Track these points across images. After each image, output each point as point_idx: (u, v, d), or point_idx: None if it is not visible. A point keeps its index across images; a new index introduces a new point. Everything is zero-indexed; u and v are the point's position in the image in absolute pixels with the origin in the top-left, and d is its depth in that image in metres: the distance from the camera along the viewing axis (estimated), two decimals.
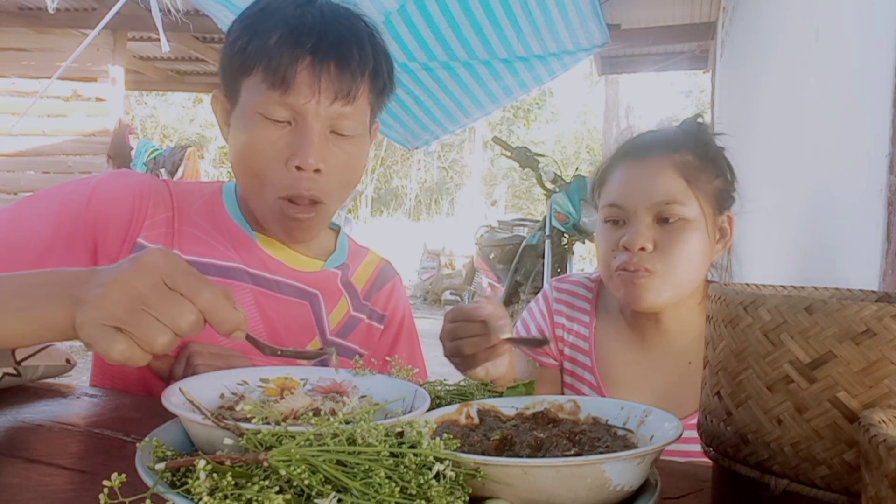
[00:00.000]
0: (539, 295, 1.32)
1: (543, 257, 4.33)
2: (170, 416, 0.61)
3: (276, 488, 0.46)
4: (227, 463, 0.48)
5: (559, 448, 0.60)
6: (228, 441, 0.53)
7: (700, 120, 1.17)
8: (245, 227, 1.06)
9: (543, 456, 0.59)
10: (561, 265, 4.33)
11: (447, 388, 0.78)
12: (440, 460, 0.50)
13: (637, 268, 1.06)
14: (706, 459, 0.64)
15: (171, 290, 0.60)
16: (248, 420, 0.57)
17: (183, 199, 1.06)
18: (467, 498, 0.50)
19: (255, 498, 0.45)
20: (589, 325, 1.23)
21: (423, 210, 17.97)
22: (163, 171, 6.48)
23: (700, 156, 1.11)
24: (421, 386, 0.74)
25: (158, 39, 3.34)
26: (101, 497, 0.47)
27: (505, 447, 0.61)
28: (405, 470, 0.48)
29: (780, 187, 2.12)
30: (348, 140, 0.99)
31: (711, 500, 0.66)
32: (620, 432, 0.65)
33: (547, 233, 4.30)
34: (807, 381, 0.54)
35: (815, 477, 0.55)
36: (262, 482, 0.46)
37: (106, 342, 0.58)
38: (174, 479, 0.51)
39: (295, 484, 0.47)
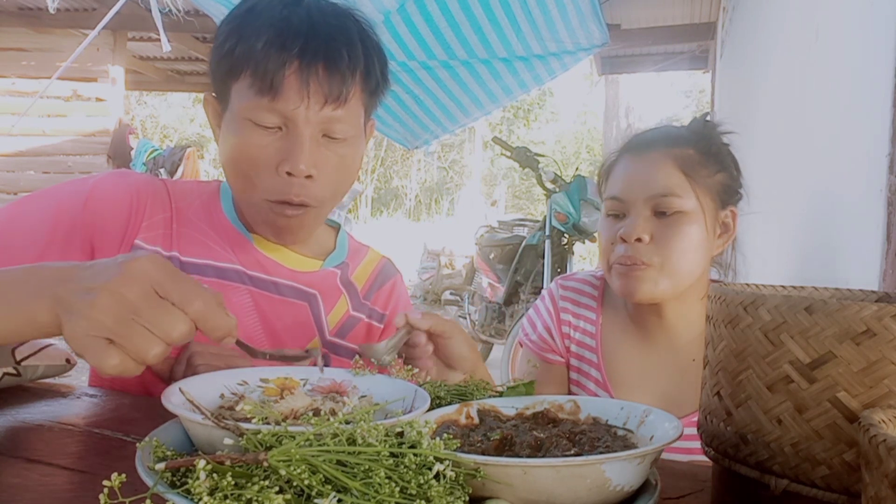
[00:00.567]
0: (545, 293, 1.33)
1: (543, 257, 4.32)
2: (170, 416, 0.61)
3: (276, 488, 0.46)
4: (227, 463, 0.48)
5: (559, 448, 0.60)
6: (228, 441, 0.53)
7: (708, 118, 1.19)
8: (241, 228, 1.06)
9: (543, 456, 0.59)
10: (561, 265, 4.32)
11: (447, 387, 0.78)
12: (440, 460, 0.50)
13: (634, 260, 1.08)
14: (706, 458, 0.65)
15: (162, 298, 0.59)
16: (248, 420, 0.57)
17: (181, 200, 1.05)
18: (467, 498, 0.50)
19: (255, 498, 0.45)
20: (595, 322, 1.23)
21: (423, 210, 17.97)
22: (162, 170, 6.48)
23: (701, 151, 1.12)
24: (421, 386, 0.74)
25: (158, 39, 3.34)
26: (101, 497, 0.47)
27: (505, 447, 0.61)
28: (405, 470, 0.48)
29: (780, 187, 2.12)
30: (341, 143, 0.97)
31: (711, 500, 0.66)
32: (620, 432, 0.65)
33: (547, 233, 4.30)
34: (807, 381, 0.54)
35: (815, 477, 0.55)
36: (262, 482, 0.46)
37: (99, 356, 0.57)
38: (174, 479, 0.51)
39: (295, 484, 0.47)
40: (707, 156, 1.12)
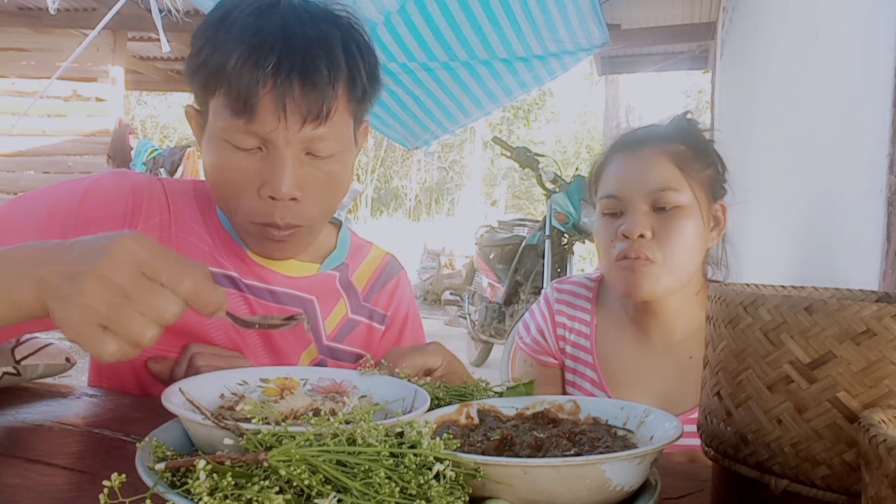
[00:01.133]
0: (541, 297, 1.33)
1: (543, 257, 4.32)
2: (170, 416, 0.61)
3: (276, 488, 0.46)
4: (227, 463, 0.48)
5: (559, 448, 0.60)
6: (228, 441, 0.53)
7: (689, 116, 1.21)
8: (234, 235, 1.03)
9: (543, 456, 0.59)
10: (561, 265, 4.32)
11: (446, 388, 0.78)
12: (440, 460, 0.50)
13: (638, 255, 1.08)
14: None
15: (151, 279, 0.58)
16: (248, 420, 0.57)
17: (178, 201, 1.03)
18: (467, 498, 0.50)
19: (255, 498, 0.45)
20: (590, 324, 1.23)
21: (423, 210, 17.97)
22: (162, 170, 6.48)
23: (691, 146, 1.14)
24: (421, 386, 0.74)
25: (158, 39, 3.34)
26: (101, 497, 0.47)
27: (505, 447, 0.61)
28: (405, 470, 0.48)
29: (780, 187, 2.12)
30: (326, 160, 0.91)
31: (711, 500, 0.66)
32: (620, 432, 0.65)
33: (547, 233, 4.30)
34: (807, 381, 0.54)
35: (815, 477, 0.55)
36: (262, 482, 0.46)
37: (96, 344, 0.57)
38: (174, 479, 0.51)
39: (295, 484, 0.47)
40: (696, 151, 1.14)
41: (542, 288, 4.30)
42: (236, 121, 0.85)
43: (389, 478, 0.47)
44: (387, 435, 0.52)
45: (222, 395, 0.71)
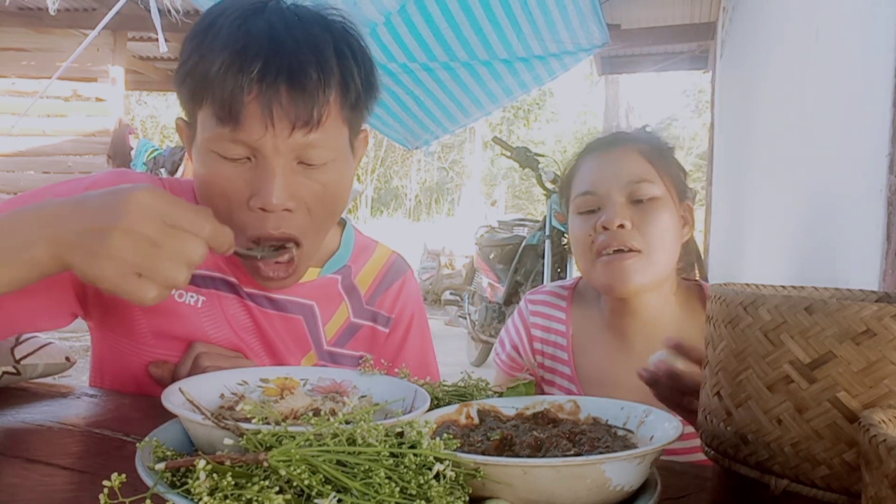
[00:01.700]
0: (515, 311, 1.32)
1: (543, 257, 4.32)
2: (170, 416, 0.61)
3: (276, 488, 0.46)
4: (227, 463, 0.48)
5: (559, 448, 0.60)
6: (228, 441, 0.53)
7: (649, 129, 1.26)
8: None
9: (543, 456, 0.59)
10: (561, 265, 4.32)
11: (445, 388, 0.78)
12: (440, 460, 0.50)
13: (621, 245, 1.07)
14: (690, 453, 0.64)
15: (174, 227, 0.64)
16: (248, 420, 0.57)
17: None
18: (467, 498, 0.50)
19: (255, 498, 0.45)
20: (566, 334, 1.22)
21: (423, 210, 17.97)
22: (163, 170, 6.47)
23: (657, 147, 1.18)
24: (421, 386, 0.74)
25: (158, 39, 3.34)
26: (101, 497, 0.47)
27: (505, 447, 0.61)
28: (405, 470, 0.48)
29: (780, 187, 2.12)
30: (320, 169, 0.87)
31: (711, 500, 0.66)
32: (620, 432, 0.65)
33: (547, 233, 4.29)
34: (807, 381, 0.54)
35: (815, 477, 0.55)
36: (262, 482, 0.46)
37: (137, 291, 0.63)
38: (174, 479, 0.51)
39: (295, 484, 0.47)
40: (663, 151, 1.18)
41: None
42: (222, 129, 0.82)
43: (389, 478, 0.47)
44: (387, 435, 0.52)
45: (222, 395, 0.71)
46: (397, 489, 0.47)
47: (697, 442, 0.67)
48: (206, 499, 0.46)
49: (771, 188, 2.33)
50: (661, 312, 1.15)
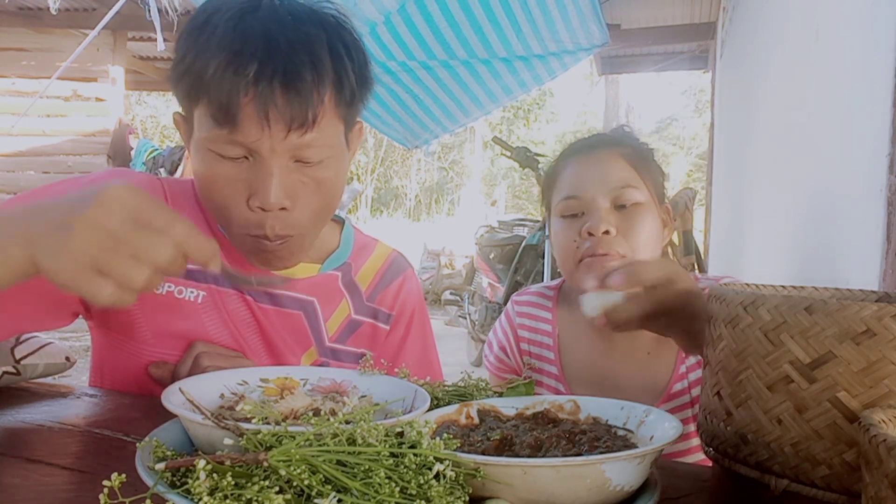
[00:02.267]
0: (503, 313, 1.32)
1: (543, 257, 4.32)
2: (170, 416, 0.61)
3: (276, 488, 0.46)
4: (227, 463, 0.48)
5: (559, 448, 0.60)
6: (228, 441, 0.53)
7: (627, 129, 1.26)
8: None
9: (543, 456, 0.59)
10: None
11: (445, 388, 0.78)
12: (440, 460, 0.50)
13: (606, 251, 1.07)
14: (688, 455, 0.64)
15: (142, 225, 0.59)
16: (248, 420, 0.57)
17: (178, 201, 1.02)
18: (467, 498, 0.50)
19: (255, 498, 0.45)
20: (552, 334, 1.22)
21: (423, 210, 17.97)
22: (162, 170, 6.47)
23: (638, 151, 1.17)
24: (420, 386, 0.74)
25: (157, 39, 3.34)
26: (101, 497, 0.47)
27: (505, 447, 0.61)
28: (405, 470, 0.48)
29: (780, 187, 2.12)
30: (316, 167, 0.88)
31: (711, 500, 0.66)
32: (620, 432, 0.65)
33: (547, 233, 4.28)
34: (807, 381, 0.54)
35: (815, 477, 0.55)
36: (262, 482, 0.46)
37: (91, 287, 0.57)
38: (174, 479, 0.51)
39: (295, 484, 0.47)
40: (644, 154, 1.17)
41: None
42: (219, 130, 0.83)
43: (389, 478, 0.47)
44: (387, 435, 0.52)
45: (222, 395, 0.71)
46: (397, 489, 0.47)
47: (695, 442, 0.67)
48: (206, 499, 0.46)
49: (771, 188, 2.33)
50: None
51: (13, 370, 0.94)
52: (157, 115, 17.81)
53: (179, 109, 0.93)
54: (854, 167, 1.28)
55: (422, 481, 0.48)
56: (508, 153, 4.39)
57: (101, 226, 0.57)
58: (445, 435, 0.55)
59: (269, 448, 0.49)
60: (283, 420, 0.59)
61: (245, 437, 0.51)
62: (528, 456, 0.59)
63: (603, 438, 0.62)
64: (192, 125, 0.89)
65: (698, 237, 4.62)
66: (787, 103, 2.08)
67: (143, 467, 0.52)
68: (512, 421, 0.69)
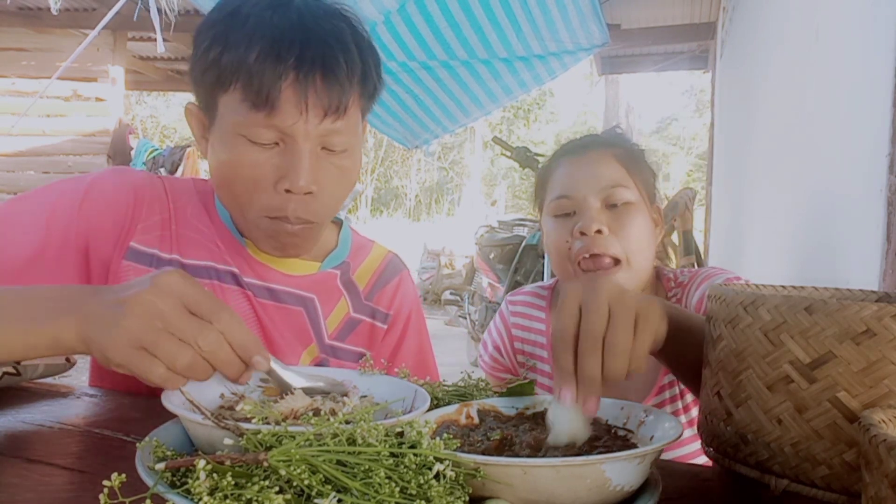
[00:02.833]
0: (497, 313, 1.33)
1: (543, 257, 4.33)
2: (170, 416, 0.61)
3: (276, 488, 0.46)
4: (227, 463, 0.48)
5: (559, 448, 0.60)
6: (228, 441, 0.53)
7: (619, 130, 1.27)
8: (235, 232, 1.03)
9: (543, 456, 0.59)
10: None
11: (445, 388, 0.78)
12: (440, 460, 0.50)
13: (600, 251, 1.07)
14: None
15: (191, 312, 0.62)
16: (248, 420, 0.57)
17: (179, 198, 1.03)
18: (467, 498, 0.50)
19: (255, 498, 0.45)
20: (546, 333, 1.23)
21: (423, 210, 17.98)
22: (162, 170, 6.47)
23: (629, 150, 1.18)
24: (420, 386, 0.74)
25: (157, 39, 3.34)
26: (101, 497, 0.47)
27: (505, 447, 0.61)
28: (405, 470, 0.48)
29: (780, 187, 2.12)
30: (340, 155, 0.93)
31: (711, 500, 0.66)
32: (620, 432, 0.65)
33: None
34: (807, 381, 0.54)
35: (815, 477, 0.55)
36: (262, 482, 0.46)
37: (143, 365, 0.60)
38: (174, 479, 0.51)
39: (295, 484, 0.47)
40: (635, 155, 1.18)
41: None
42: (256, 114, 0.86)
43: (389, 478, 0.47)
44: (387, 435, 0.52)
45: (222, 395, 0.71)
46: (397, 489, 0.47)
47: (696, 446, 0.67)
48: (206, 499, 0.46)
49: (771, 188, 2.33)
50: None
51: (13, 370, 0.94)
52: (157, 115, 17.81)
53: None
54: (854, 167, 1.28)
55: (422, 481, 0.48)
56: (508, 153, 4.39)
57: (151, 304, 0.61)
58: (445, 435, 0.54)
59: (269, 448, 0.49)
60: (283, 420, 0.59)
61: (245, 437, 0.51)
62: (528, 456, 0.59)
63: (603, 438, 0.62)
64: (213, 114, 0.92)
65: (698, 237, 4.63)
66: (787, 103, 2.07)
67: (143, 467, 0.52)
68: (512, 421, 0.69)
